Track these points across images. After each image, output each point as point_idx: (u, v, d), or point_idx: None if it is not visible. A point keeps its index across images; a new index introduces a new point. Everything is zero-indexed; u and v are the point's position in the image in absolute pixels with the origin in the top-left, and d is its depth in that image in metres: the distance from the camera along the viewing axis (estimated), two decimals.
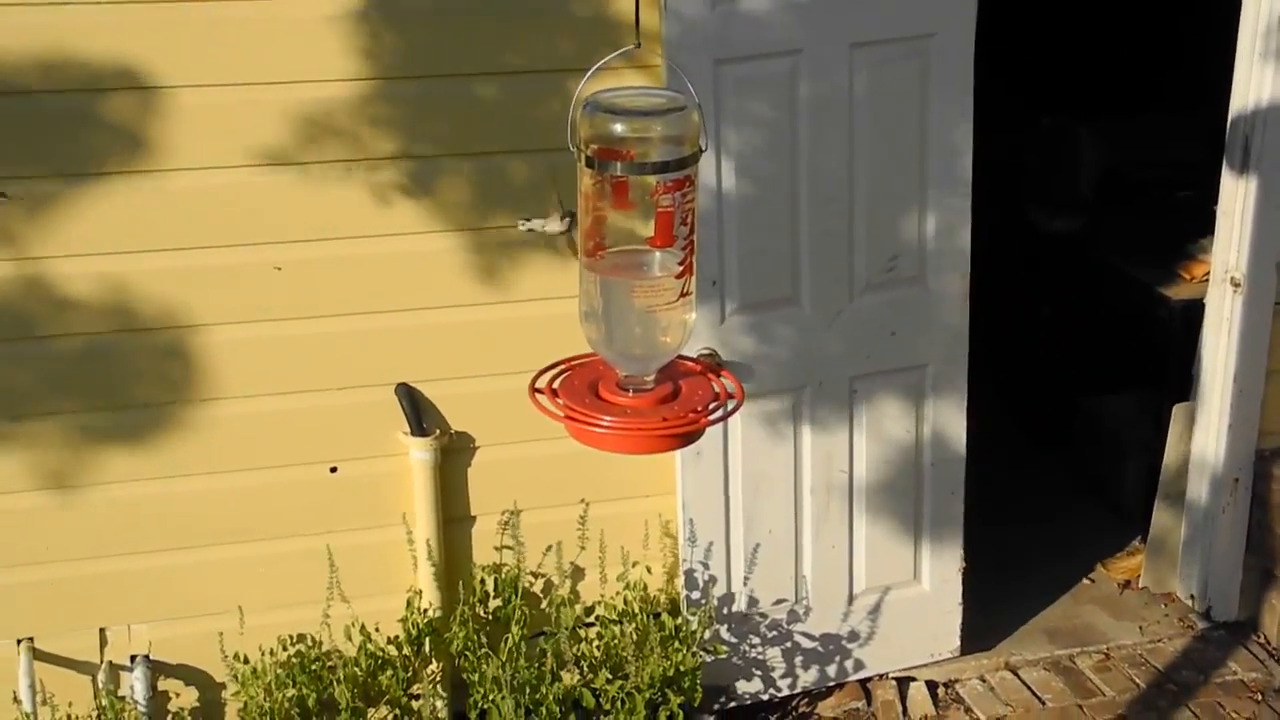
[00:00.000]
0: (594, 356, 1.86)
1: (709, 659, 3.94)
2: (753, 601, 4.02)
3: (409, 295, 3.60)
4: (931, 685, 4.24)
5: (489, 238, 3.59)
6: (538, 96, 3.48)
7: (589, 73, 1.85)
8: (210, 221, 3.43)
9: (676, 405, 1.78)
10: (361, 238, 3.52)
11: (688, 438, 1.77)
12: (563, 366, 1.90)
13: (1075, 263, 5.49)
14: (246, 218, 3.45)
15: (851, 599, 4.13)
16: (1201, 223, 4.74)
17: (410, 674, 3.73)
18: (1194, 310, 4.56)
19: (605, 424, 1.75)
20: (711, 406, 1.79)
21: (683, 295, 1.76)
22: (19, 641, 3.60)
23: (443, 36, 3.41)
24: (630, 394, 1.80)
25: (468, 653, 3.69)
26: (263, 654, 3.67)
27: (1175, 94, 6.03)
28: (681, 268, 1.75)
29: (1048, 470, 5.44)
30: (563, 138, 1.79)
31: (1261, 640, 4.49)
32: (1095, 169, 5.68)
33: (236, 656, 3.65)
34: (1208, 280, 4.39)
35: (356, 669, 3.66)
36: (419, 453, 3.68)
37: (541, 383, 1.86)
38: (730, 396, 1.82)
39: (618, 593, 3.90)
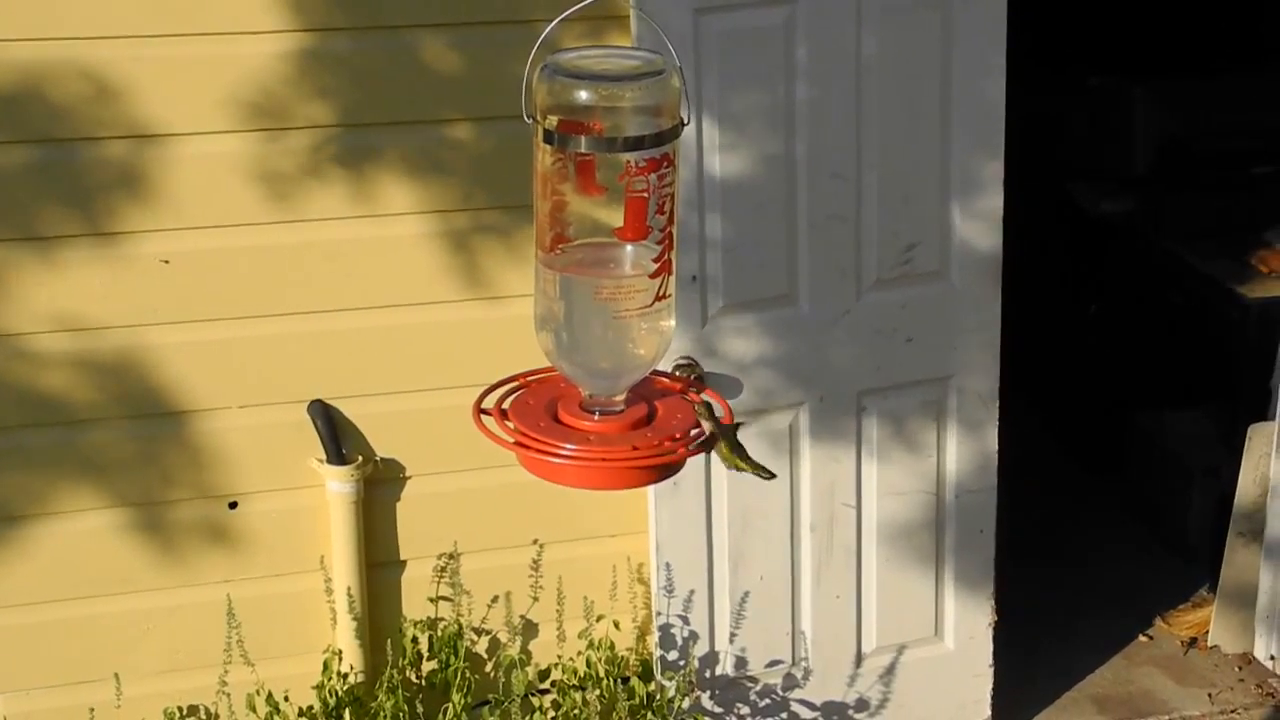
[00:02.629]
0: (554, 371, 1.87)
1: None
2: (741, 663, 4.05)
3: (326, 293, 3.61)
4: None
5: (428, 223, 3.61)
6: (497, 53, 3.50)
7: (548, 27, 1.87)
8: (72, 202, 3.43)
9: (650, 431, 1.80)
10: (268, 224, 3.53)
11: (663, 470, 1.79)
12: (516, 382, 1.92)
13: (1129, 252, 5.53)
14: (126, 199, 3.45)
15: (860, 660, 4.15)
16: None
17: None
18: (1273, 310, 4.61)
19: (564, 453, 1.76)
20: (693, 433, 1.81)
21: (659, 298, 1.78)
22: None
23: None
24: (596, 417, 1.82)
25: None
26: None
27: (1250, 48, 6.08)
28: (657, 265, 1.77)
29: (1096, 502, 5.47)
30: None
31: None
32: (1153, 139, 5.72)
33: None
34: None
35: None
36: (337, 484, 3.69)
37: (489, 401, 1.88)
38: None
39: (579, 653, 3.91)
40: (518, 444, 1.79)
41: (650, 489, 3.80)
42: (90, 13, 3.32)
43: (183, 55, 3.39)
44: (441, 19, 3.50)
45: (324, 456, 3.67)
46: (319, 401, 3.66)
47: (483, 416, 1.85)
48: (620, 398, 1.83)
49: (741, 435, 1.85)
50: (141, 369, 3.56)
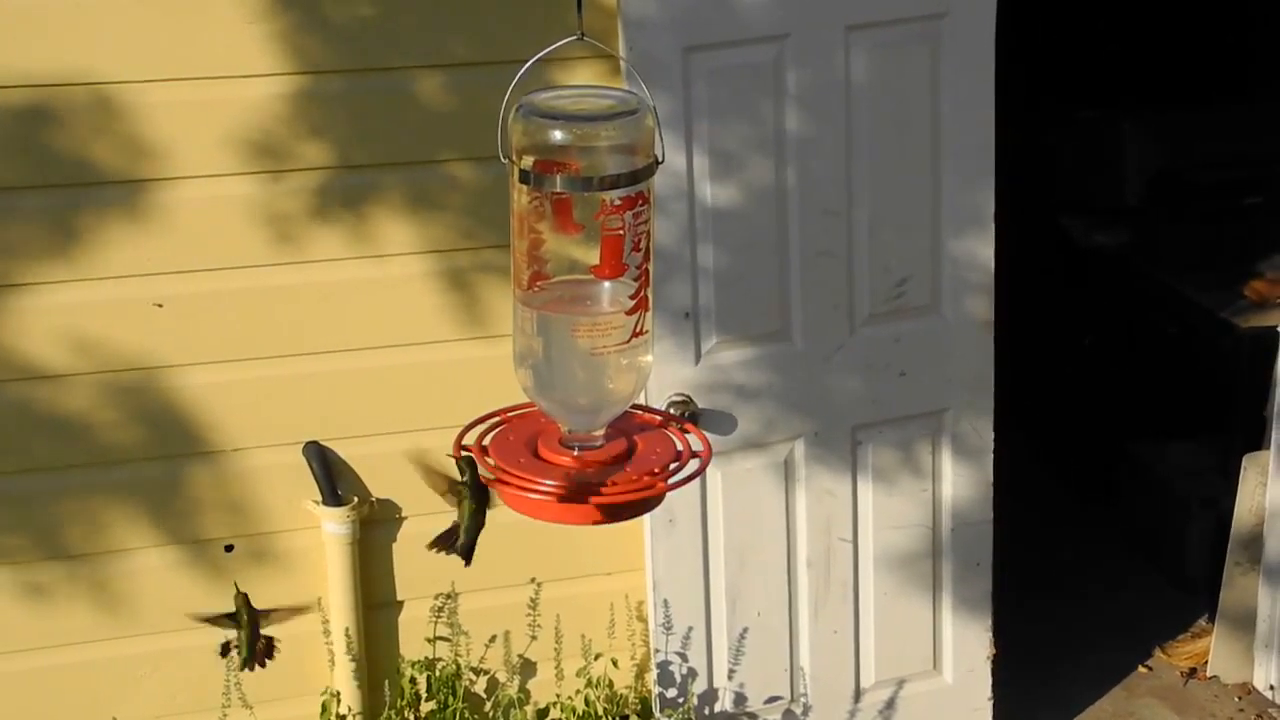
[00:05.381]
0: (535, 408, 1.87)
1: None
2: (740, 700, 4.03)
3: (320, 334, 3.61)
4: None
5: (424, 263, 3.61)
6: (491, 92, 3.50)
7: (524, 66, 1.87)
8: (70, 246, 3.43)
9: (629, 466, 1.79)
10: (263, 266, 3.53)
11: (641, 506, 1.78)
12: (497, 418, 1.91)
13: (1121, 283, 5.53)
14: (118, 242, 3.45)
15: (859, 695, 4.14)
16: (1274, 234, 4.78)
17: None
18: (1265, 340, 4.59)
19: (542, 489, 1.76)
20: (672, 467, 1.80)
21: (636, 334, 1.78)
22: None
23: (377, 20, 3.44)
24: (575, 453, 1.82)
25: None
26: None
27: (1239, 80, 6.09)
28: (634, 302, 1.77)
29: (1091, 533, 5.46)
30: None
31: None
32: (1144, 170, 5.74)
33: None
34: None
35: None
36: (333, 525, 3.68)
37: (470, 438, 1.87)
38: (694, 455, 1.83)
39: (577, 691, 3.90)
40: (497, 480, 1.79)
41: (646, 526, 3.80)
42: (91, 58, 3.33)
43: (181, 99, 3.40)
44: (437, 60, 3.51)
45: (320, 498, 3.67)
46: (314, 443, 3.65)
47: (463, 453, 1.84)
48: (599, 433, 1.83)
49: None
50: (136, 413, 3.56)
